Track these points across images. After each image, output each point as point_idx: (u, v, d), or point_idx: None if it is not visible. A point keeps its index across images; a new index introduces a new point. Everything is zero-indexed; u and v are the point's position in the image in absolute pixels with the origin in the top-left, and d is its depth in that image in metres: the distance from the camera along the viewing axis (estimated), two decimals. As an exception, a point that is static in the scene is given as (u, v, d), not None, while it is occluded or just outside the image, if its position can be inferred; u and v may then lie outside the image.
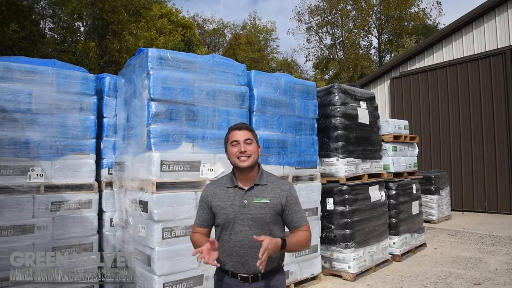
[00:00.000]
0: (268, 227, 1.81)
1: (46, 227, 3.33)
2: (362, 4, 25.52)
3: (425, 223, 6.96)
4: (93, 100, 3.73)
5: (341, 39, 27.51)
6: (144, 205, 3.13)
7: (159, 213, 3.01)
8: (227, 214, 1.82)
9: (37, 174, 3.32)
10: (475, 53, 10.11)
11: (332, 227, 4.63)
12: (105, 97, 3.99)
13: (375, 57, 28.75)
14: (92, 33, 15.32)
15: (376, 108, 5.53)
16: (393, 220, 5.42)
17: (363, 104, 5.17)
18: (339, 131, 4.72)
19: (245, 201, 1.82)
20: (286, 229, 1.94)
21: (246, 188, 1.85)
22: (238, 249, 1.78)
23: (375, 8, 25.99)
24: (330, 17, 27.01)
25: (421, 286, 4.26)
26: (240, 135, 1.84)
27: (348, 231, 4.54)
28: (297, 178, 4.21)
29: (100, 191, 3.81)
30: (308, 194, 4.24)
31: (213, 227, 1.96)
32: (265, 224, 1.80)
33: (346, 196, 4.60)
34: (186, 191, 3.20)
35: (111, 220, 3.85)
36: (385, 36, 27.71)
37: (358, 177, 4.92)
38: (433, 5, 39.53)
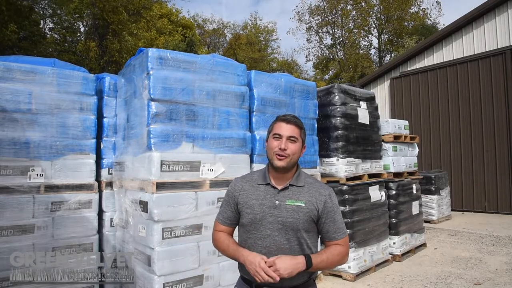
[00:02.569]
0: (300, 234, 1.59)
1: (46, 227, 3.32)
2: (363, 4, 25.53)
3: (425, 223, 6.96)
4: (93, 100, 3.73)
5: (341, 39, 27.54)
6: (144, 205, 3.13)
7: (159, 213, 3.01)
8: (255, 214, 1.62)
9: (37, 174, 3.32)
10: (475, 53, 10.10)
11: (332, 227, 4.63)
12: (105, 97, 3.99)
13: (375, 57, 28.76)
14: (92, 33, 15.32)
15: (376, 108, 5.53)
16: (393, 220, 5.42)
17: (363, 104, 5.17)
18: (339, 131, 4.72)
19: (277, 202, 1.61)
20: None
21: (279, 187, 1.65)
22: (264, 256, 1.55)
23: (376, 8, 26.02)
24: (330, 17, 27.04)
25: (421, 286, 4.26)
26: (285, 130, 1.61)
27: (348, 231, 4.53)
28: (297, 178, 4.21)
29: (100, 191, 3.81)
30: (308, 194, 4.24)
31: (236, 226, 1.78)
32: (297, 231, 1.58)
33: (346, 196, 4.61)
34: (186, 191, 3.19)
35: (111, 220, 3.85)
36: (385, 36, 27.72)
37: (358, 177, 4.92)
38: (432, 5, 39.63)
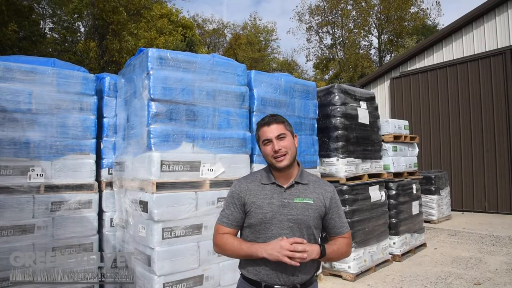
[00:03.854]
0: (311, 231, 1.62)
1: (46, 227, 3.33)
2: (363, 4, 25.52)
3: (425, 223, 6.96)
4: (93, 100, 3.73)
5: (341, 39, 27.53)
6: (144, 205, 3.13)
7: (159, 213, 3.01)
8: (264, 213, 1.60)
9: (37, 174, 3.32)
10: (475, 53, 10.11)
11: (332, 227, 4.63)
12: (105, 97, 3.99)
13: (375, 57, 28.76)
14: (93, 33, 15.32)
15: (376, 108, 5.53)
16: (393, 220, 5.42)
17: (363, 104, 5.17)
18: (339, 131, 4.72)
19: (285, 200, 1.61)
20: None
21: (285, 186, 1.64)
22: None
23: (376, 8, 26.01)
24: (330, 17, 27.03)
25: (421, 286, 4.26)
26: (271, 132, 1.61)
27: (348, 231, 4.53)
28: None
29: (100, 191, 3.81)
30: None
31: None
32: (309, 228, 1.61)
33: (346, 196, 4.60)
34: (186, 191, 3.20)
35: (111, 220, 3.85)
36: (385, 36, 27.72)
37: (358, 177, 4.92)
38: (432, 5, 39.63)
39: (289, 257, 1.45)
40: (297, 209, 1.60)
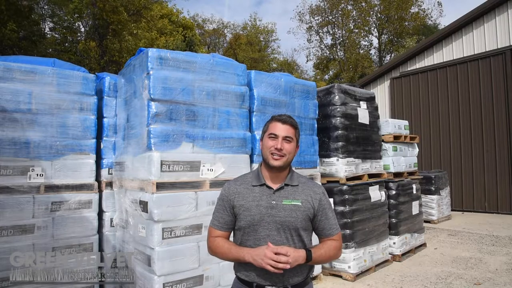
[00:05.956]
0: (299, 233, 1.62)
1: (46, 227, 3.33)
2: (363, 4, 25.53)
3: (425, 223, 6.96)
4: (93, 100, 3.74)
5: (341, 39, 27.54)
6: (144, 205, 3.13)
7: (159, 213, 3.01)
8: (252, 216, 1.61)
9: (37, 174, 3.32)
10: (475, 53, 10.11)
11: (332, 227, 4.62)
12: (105, 97, 3.99)
13: (375, 57, 28.76)
14: (93, 33, 15.31)
15: (376, 108, 5.53)
16: (393, 220, 5.42)
17: (363, 104, 5.17)
18: (339, 131, 4.72)
19: (273, 202, 1.62)
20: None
21: (275, 187, 1.66)
22: None
23: (376, 8, 26.01)
24: (330, 17, 27.04)
25: (421, 286, 4.26)
26: (281, 130, 1.66)
27: (348, 231, 4.54)
28: (297, 178, 4.21)
29: (100, 191, 3.81)
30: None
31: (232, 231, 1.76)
32: (295, 229, 1.61)
33: (346, 196, 4.60)
34: (186, 191, 3.20)
35: (111, 220, 3.85)
36: (386, 36, 27.72)
37: (358, 177, 4.92)
38: (434, 5, 39.60)
39: (273, 265, 1.47)
40: (284, 211, 1.61)
